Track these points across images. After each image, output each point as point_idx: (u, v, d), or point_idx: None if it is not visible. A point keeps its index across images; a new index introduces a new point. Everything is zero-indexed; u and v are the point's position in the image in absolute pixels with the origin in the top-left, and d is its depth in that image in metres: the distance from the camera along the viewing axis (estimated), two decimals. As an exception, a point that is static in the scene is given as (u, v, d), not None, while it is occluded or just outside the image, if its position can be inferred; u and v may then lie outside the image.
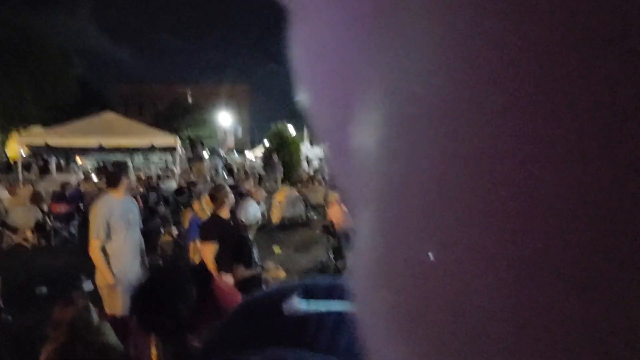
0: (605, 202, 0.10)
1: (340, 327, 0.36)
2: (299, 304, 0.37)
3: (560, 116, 0.10)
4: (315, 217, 12.03)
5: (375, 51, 0.15)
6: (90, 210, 4.38)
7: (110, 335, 2.85)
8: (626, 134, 0.10)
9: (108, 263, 3.99)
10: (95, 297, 3.96)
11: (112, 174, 4.38)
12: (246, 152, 39.02)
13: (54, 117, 18.96)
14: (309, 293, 0.39)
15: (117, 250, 4.01)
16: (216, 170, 18.07)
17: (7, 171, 17.02)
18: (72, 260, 7.15)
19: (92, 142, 12.81)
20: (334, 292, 0.39)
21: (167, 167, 18.69)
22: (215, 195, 4.73)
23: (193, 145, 23.07)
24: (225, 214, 4.67)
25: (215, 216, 4.64)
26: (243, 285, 3.84)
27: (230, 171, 18.59)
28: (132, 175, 4.46)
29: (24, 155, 15.10)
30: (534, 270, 0.10)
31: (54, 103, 20.94)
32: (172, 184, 12.66)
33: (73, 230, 9.83)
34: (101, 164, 17.34)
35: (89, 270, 4.10)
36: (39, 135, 13.75)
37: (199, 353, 0.40)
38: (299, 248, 9.30)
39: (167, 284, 1.99)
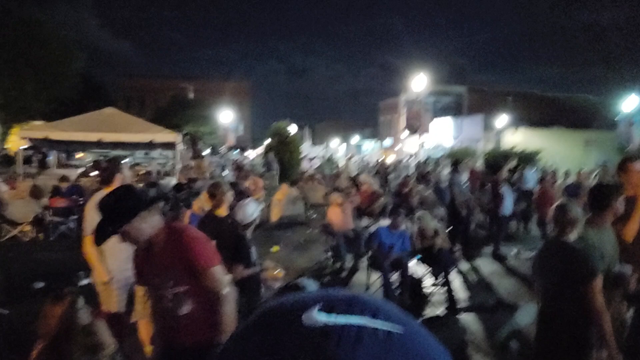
0: None
1: (360, 341, 0.35)
2: (318, 316, 0.37)
3: None
4: (314, 216, 12.00)
5: None
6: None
7: (103, 334, 2.82)
8: None
9: (103, 260, 3.95)
10: (92, 293, 3.93)
11: (105, 170, 4.31)
12: (247, 149, 39.02)
13: (55, 111, 18.93)
14: (329, 305, 0.38)
15: (112, 247, 3.94)
16: (219, 168, 18.00)
17: (7, 164, 17.01)
18: (70, 255, 7.12)
19: (92, 137, 12.77)
20: (354, 305, 0.39)
21: (167, 163, 18.64)
22: (214, 193, 4.69)
23: (194, 142, 23.02)
24: (223, 212, 4.63)
25: (210, 214, 4.60)
26: (242, 284, 3.81)
27: (238, 168, 18.51)
28: (127, 171, 4.39)
29: (25, 149, 15.07)
30: None
31: (56, 97, 20.90)
32: (171, 180, 12.63)
33: (72, 225, 9.82)
34: (101, 159, 17.33)
35: (87, 265, 4.07)
36: (40, 129, 13.70)
37: None
38: (297, 247, 9.28)
39: (117, 199, 2.52)
